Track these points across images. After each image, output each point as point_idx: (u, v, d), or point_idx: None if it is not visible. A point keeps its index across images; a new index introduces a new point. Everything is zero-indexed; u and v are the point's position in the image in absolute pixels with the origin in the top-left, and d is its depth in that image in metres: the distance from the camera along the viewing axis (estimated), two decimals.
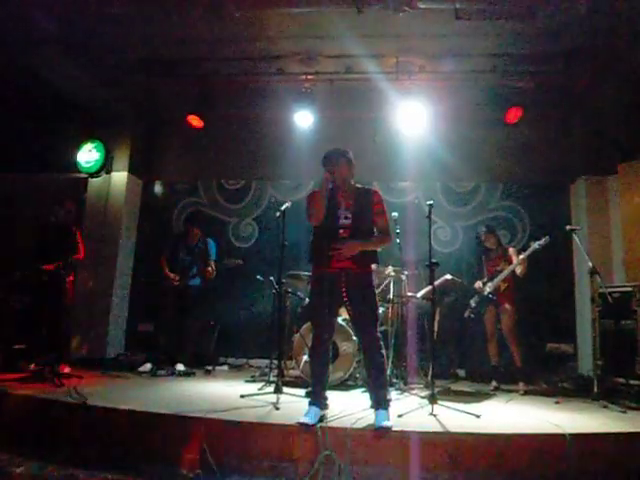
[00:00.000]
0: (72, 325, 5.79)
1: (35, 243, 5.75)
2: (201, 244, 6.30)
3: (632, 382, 5.07)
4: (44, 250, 5.57)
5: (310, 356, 3.89)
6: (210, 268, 6.09)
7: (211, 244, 6.39)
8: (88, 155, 7.48)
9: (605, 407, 4.49)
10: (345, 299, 3.65)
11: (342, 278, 3.62)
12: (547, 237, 5.36)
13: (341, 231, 3.69)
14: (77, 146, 7.53)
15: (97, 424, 3.55)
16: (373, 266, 3.84)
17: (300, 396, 4.43)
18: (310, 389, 3.80)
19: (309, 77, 6.67)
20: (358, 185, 3.91)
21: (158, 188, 8.29)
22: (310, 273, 5.01)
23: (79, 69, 6.60)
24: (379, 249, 3.87)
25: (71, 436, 3.56)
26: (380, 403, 3.53)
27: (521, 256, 5.50)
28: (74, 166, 7.52)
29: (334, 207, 3.76)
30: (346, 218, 3.73)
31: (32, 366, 5.16)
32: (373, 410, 3.54)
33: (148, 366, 5.93)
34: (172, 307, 6.07)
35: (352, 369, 5.24)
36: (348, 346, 5.16)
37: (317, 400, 3.60)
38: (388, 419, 3.40)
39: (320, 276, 3.72)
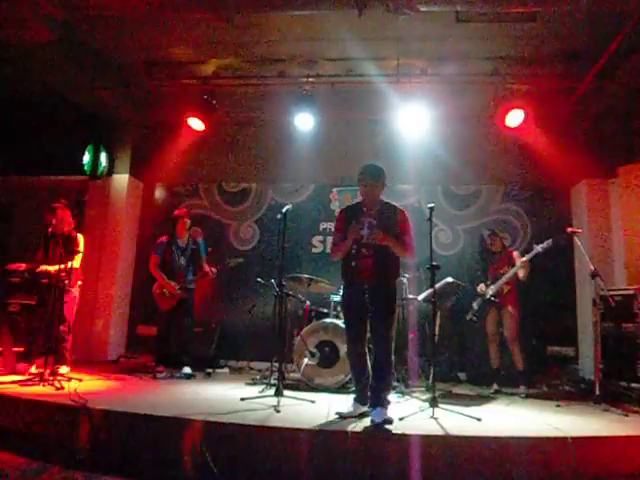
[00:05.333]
0: (73, 327, 5.78)
1: (37, 246, 5.75)
2: (192, 245, 6.24)
3: (633, 385, 5.06)
4: (46, 254, 5.58)
5: (349, 359, 4.13)
6: (213, 269, 6.05)
7: (201, 244, 6.33)
8: (85, 157, 7.48)
9: (606, 410, 4.48)
10: (368, 305, 3.81)
11: (365, 287, 3.80)
12: (550, 240, 5.37)
13: (364, 250, 3.82)
14: (78, 148, 7.52)
15: (97, 426, 3.53)
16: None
17: (301, 399, 4.42)
18: (354, 388, 4.13)
19: (310, 80, 6.67)
20: (384, 200, 4.00)
21: (159, 191, 8.29)
22: (307, 276, 5.56)
23: (81, 72, 6.60)
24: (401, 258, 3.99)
25: (71, 438, 3.54)
26: (379, 401, 3.64)
27: (523, 258, 5.50)
28: (77, 169, 7.51)
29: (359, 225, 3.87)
30: (368, 238, 3.81)
31: (32, 368, 5.15)
32: (371, 409, 3.64)
33: (188, 369, 5.95)
34: (169, 311, 6.02)
35: None
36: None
37: (359, 397, 3.92)
38: (386, 416, 3.50)
39: (347, 290, 4.00)
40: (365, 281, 3.80)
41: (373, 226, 3.79)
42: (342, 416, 3.73)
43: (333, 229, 4.25)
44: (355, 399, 3.94)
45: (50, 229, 5.70)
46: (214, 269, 6.04)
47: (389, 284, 3.89)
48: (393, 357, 3.83)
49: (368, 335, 3.95)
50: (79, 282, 5.81)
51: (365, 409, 3.84)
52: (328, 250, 6.66)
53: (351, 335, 4.00)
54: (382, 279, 3.82)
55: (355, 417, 3.74)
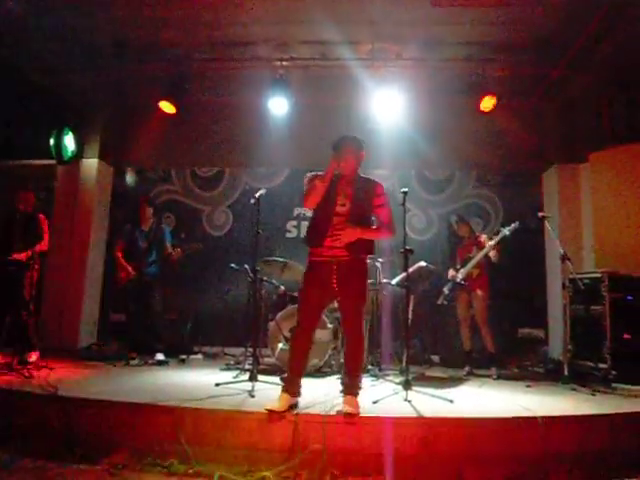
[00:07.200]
0: (39, 313, 5.68)
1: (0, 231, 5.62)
2: (156, 231, 6.21)
3: (600, 365, 5.19)
4: (9, 238, 5.44)
5: (291, 341, 3.88)
6: (176, 250, 5.98)
7: (166, 231, 6.31)
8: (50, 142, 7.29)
9: (575, 390, 4.60)
10: (335, 288, 3.59)
11: (334, 266, 3.58)
12: (516, 223, 5.46)
13: (335, 219, 3.63)
14: (46, 133, 7.32)
15: (68, 415, 3.48)
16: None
17: (276, 384, 4.42)
18: (285, 375, 3.78)
19: (284, 63, 6.60)
20: (362, 175, 3.87)
21: (130, 175, 8.15)
22: (281, 259, 5.53)
23: (48, 53, 6.41)
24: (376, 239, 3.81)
25: (42, 427, 3.49)
26: (351, 389, 3.55)
27: (490, 242, 5.56)
28: (45, 153, 7.31)
29: (333, 194, 3.70)
30: (343, 205, 3.67)
31: None
32: (342, 395, 3.56)
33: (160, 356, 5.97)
34: (134, 297, 6.03)
35: (327, 356, 5.26)
36: (324, 334, 5.16)
37: (290, 387, 3.58)
38: (356, 406, 3.42)
39: (313, 264, 3.70)
40: (336, 256, 3.57)
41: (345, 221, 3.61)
42: (272, 410, 3.34)
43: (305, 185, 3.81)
44: (285, 390, 3.56)
45: (19, 213, 5.59)
46: (178, 249, 5.99)
47: (362, 262, 3.71)
48: (365, 341, 3.74)
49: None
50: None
51: (296, 401, 3.60)
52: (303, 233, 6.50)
53: (306, 316, 3.67)
54: (355, 256, 3.62)
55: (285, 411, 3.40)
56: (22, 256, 5.29)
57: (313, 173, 3.78)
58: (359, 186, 3.77)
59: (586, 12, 5.45)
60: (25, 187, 5.70)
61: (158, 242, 6.13)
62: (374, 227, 3.76)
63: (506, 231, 5.46)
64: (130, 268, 5.95)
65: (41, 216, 5.65)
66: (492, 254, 5.61)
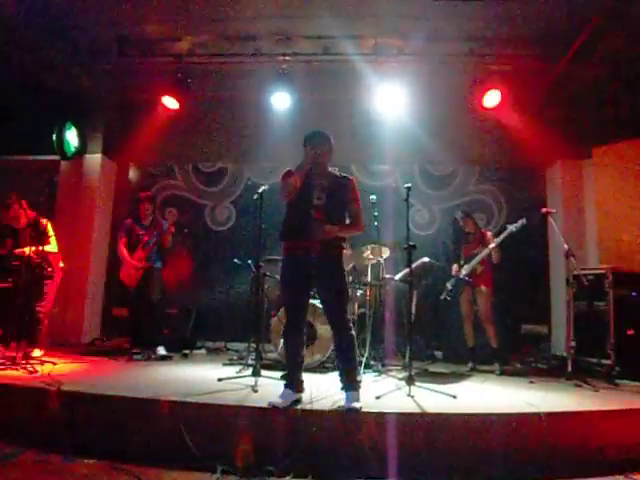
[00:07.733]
0: (48, 310, 5.72)
1: (5, 235, 5.62)
2: (156, 225, 6.15)
3: (603, 361, 5.19)
4: (16, 241, 5.48)
5: (284, 338, 3.88)
6: (169, 226, 5.97)
7: (165, 225, 6.24)
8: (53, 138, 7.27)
9: (578, 386, 4.59)
10: (314, 280, 3.64)
11: (311, 260, 3.59)
12: (523, 220, 5.42)
13: (313, 211, 3.65)
14: (49, 128, 7.31)
15: (71, 409, 3.49)
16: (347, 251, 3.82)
17: (279, 379, 4.42)
18: (285, 372, 3.79)
19: (286, 58, 6.57)
20: (333, 170, 3.87)
21: (133, 171, 8.15)
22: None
23: (51, 49, 6.40)
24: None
25: (45, 422, 3.50)
26: (350, 384, 3.54)
27: (493, 243, 5.53)
28: (48, 149, 7.29)
29: (309, 187, 3.72)
30: (319, 199, 3.69)
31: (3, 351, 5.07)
32: (343, 391, 3.55)
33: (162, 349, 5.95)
34: (135, 290, 6.00)
35: (330, 351, 5.24)
36: (326, 329, 5.13)
37: (292, 383, 3.61)
38: (357, 400, 3.42)
39: (290, 257, 3.73)
40: (313, 249, 3.57)
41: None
42: (275, 406, 3.37)
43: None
44: (287, 386, 3.61)
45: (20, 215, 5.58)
46: (171, 227, 5.96)
47: (338, 253, 3.70)
48: (354, 332, 3.63)
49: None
50: (61, 264, 5.84)
51: (299, 396, 3.62)
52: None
53: (293, 312, 3.75)
54: (331, 247, 3.64)
55: (288, 407, 3.43)
56: (26, 251, 5.30)
57: (288, 169, 3.80)
58: (333, 180, 3.79)
59: (590, 6, 5.41)
60: (12, 200, 5.63)
61: (158, 235, 6.13)
62: (348, 223, 3.78)
63: (512, 228, 5.43)
64: (138, 263, 5.92)
65: (43, 221, 5.64)
66: (494, 256, 5.59)
